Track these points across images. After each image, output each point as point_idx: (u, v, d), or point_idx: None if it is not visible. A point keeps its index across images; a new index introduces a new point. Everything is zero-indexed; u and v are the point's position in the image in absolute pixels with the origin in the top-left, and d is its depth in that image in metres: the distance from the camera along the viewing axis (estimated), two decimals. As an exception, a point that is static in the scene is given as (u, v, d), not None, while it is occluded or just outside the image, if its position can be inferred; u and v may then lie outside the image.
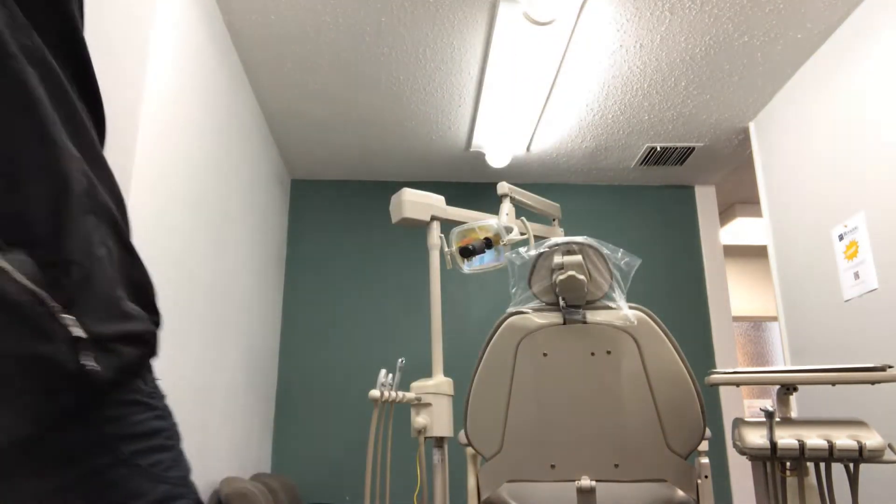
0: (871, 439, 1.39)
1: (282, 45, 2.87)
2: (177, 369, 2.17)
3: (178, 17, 2.18)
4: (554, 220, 2.77)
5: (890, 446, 1.48)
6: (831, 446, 1.40)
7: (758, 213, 4.17)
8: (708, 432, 1.72)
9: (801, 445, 1.42)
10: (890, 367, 1.40)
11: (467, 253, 2.16)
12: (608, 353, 1.72)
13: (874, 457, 1.38)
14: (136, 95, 1.88)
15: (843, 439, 1.40)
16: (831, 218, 2.82)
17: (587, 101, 3.34)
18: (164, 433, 0.69)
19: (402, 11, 2.67)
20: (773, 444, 1.42)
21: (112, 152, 1.81)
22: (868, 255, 2.57)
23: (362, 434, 3.76)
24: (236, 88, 2.91)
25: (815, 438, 1.43)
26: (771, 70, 3.09)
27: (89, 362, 0.60)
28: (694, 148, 3.83)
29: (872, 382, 1.40)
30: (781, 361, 5.39)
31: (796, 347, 3.11)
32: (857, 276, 2.62)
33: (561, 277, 1.71)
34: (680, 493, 1.75)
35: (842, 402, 2.64)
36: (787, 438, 1.43)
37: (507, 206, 2.39)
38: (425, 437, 2.02)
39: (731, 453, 3.89)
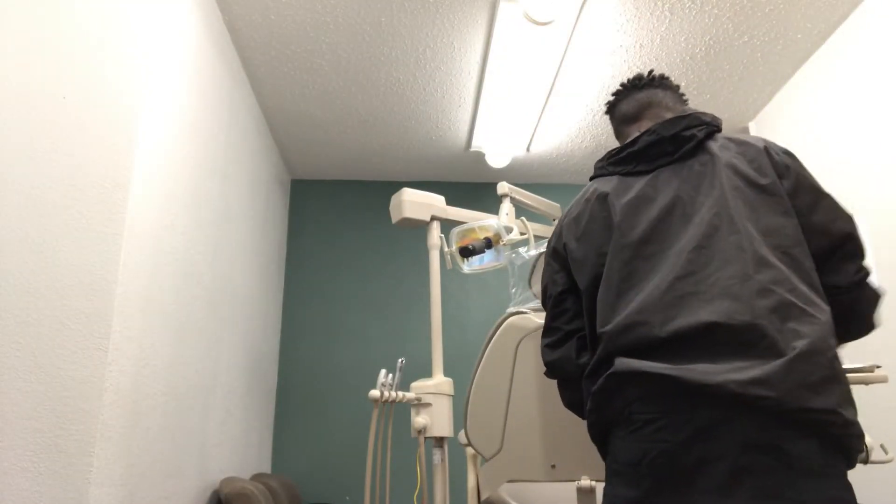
0: None
1: (282, 45, 2.87)
2: (177, 369, 2.17)
3: (179, 17, 2.18)
4: (554, 219, 2.77)
5: (882, 446, 1.48)
6: None
7: (758, 213, 4.16)
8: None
9: None
10: (878, 367, 1.41)
11: (467, 253, 2.16)
12: (608, 353, 1.72)
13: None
14: (136, 95, 1.88)
15: None
16: (831, 218, 2.82)
17: (587, 102, 3.34)
18: None
19: (402, 11, 2.67)
20: None
21: (112, 152, 1.82)
22: (868, 255, 2.56)
23: (362, 434, 3.75)
24: (236, 88, 2.91)
25: None
26: (771, 70, 3.09)
27: None
28: (694, 148, 3.83)
29: (867, 383, 1.40)
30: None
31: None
32: (856, 276, 2.61)
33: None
34: (680, 493, 1.74)
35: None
36: None
37: (507, 206, 2.39)
38: (425, 437, 2.02)
39: (731, 453, 3.88)
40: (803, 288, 1.12)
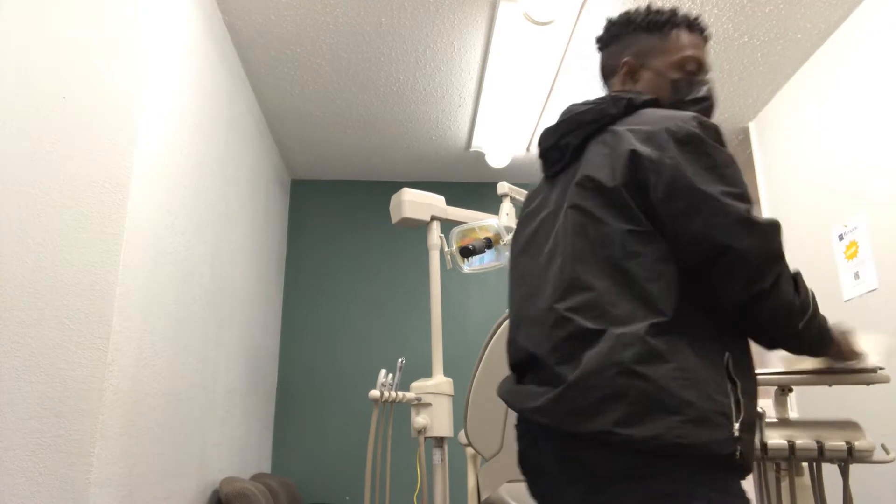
0: (860, 440, 1.41)
1: (282, 45, 2.87)
2: (177, 369, 2.17)
3: (178, 16, 2.18)
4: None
5: (883, 446, 1.48)
6: (821, 447, 1.41)
7: (758, 213, 4.16)
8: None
9: (791, 446, 1.43)
10: (881, 368, 1.41)
11: (467, 253, 2.17)
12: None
13: (863, 457, 1.40)
14: (136, 95, 1.88)
15: (833, 440, 1.41)
16: (831, 218, 2.82)
17: (587, 101, 3.33)
18: None
19: (402, 11, 2.67)
20: (763, 445, 1.44)
21: (112, 152, 1.82)
22: (868, 255, 2.57)
23: (362, 434, 3.76)
24: (236, 88, 2.91)
25: (804, 439, 1.44)
26: (771, 70, 3.09)
27: None
28: (694, 148, 3.83)
29: (868, 384, 1.41)
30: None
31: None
32: (857, 276, 2.62)
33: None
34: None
35: (840, 402, 2.63)
36: (776, 439, 1.44)
37: (507, 206, 2.39)
38: (425, 437, 2.03)
39: (731, 453, 3.88)
40: (622, 306, 1.03)
